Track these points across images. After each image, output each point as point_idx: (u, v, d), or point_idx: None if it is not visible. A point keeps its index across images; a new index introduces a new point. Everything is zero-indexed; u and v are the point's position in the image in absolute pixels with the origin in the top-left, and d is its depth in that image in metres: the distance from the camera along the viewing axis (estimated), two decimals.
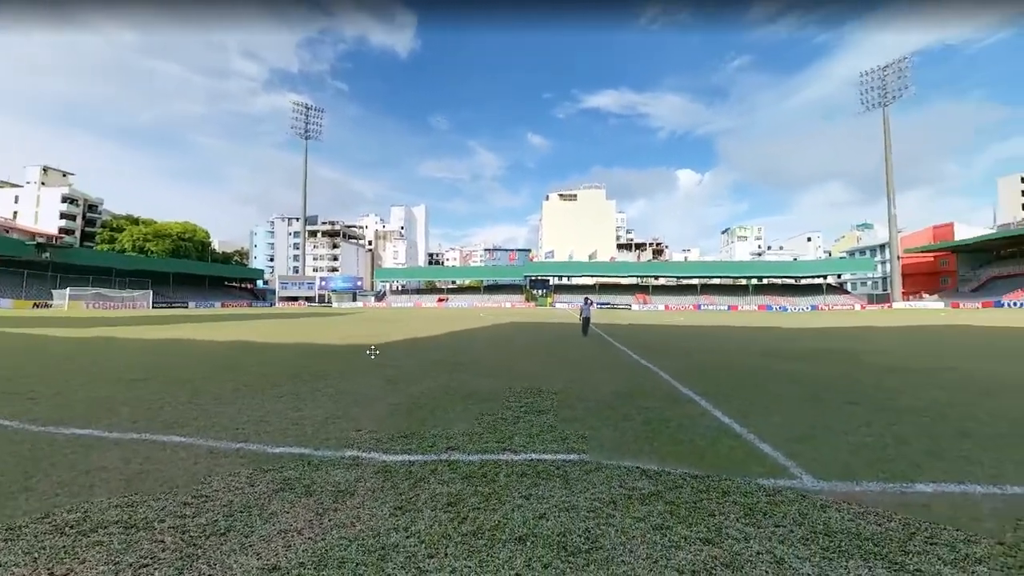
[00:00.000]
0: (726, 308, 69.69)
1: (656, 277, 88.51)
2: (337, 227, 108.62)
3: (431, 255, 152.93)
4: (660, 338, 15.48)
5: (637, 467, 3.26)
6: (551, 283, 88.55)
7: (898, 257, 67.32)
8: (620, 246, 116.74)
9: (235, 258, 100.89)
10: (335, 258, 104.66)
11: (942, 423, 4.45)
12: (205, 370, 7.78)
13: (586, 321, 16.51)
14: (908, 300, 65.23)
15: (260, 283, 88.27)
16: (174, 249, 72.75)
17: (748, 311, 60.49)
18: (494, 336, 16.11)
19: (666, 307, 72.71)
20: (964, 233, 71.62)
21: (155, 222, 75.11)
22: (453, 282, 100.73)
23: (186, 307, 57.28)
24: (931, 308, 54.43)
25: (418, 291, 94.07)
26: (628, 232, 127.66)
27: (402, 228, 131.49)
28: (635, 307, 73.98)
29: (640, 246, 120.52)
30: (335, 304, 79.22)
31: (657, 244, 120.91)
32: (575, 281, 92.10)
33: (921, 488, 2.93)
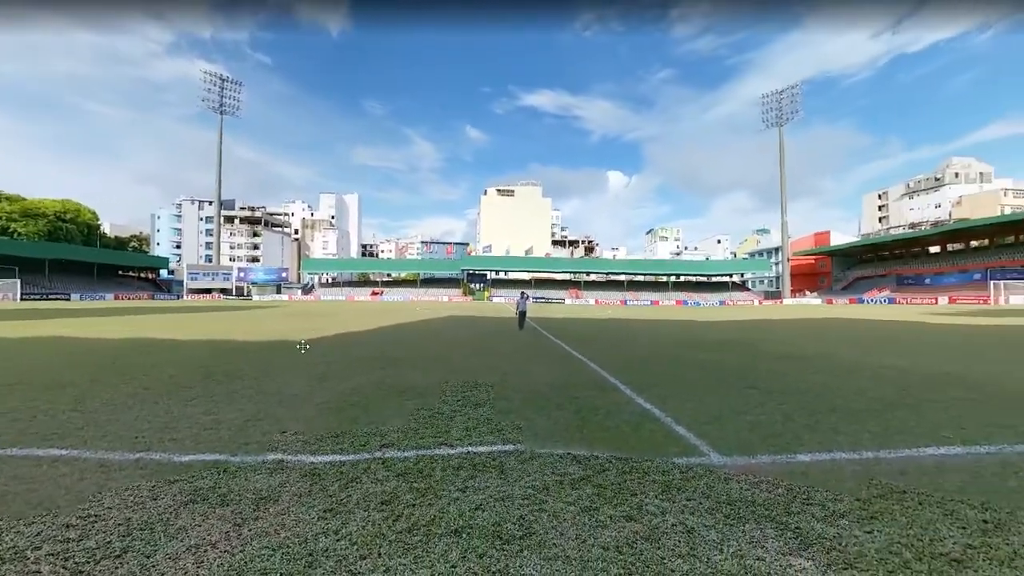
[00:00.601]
0: (649, 303, 74.49)
1: (588, 273, 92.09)
2: (258, 213, 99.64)
3: (365, 247, 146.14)
4: (591, 331, 16.20)
5: (569, 453, 3.41)
6: (488, 277, 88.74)
7: (788, 259, 76.66)
8: (555, 243, 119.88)
9: (132, 244, 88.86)
10: (256, 247, 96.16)
11: (818, 401, 5.15)
12: (92, 372, 6.80)
13: (522, 315, 16.80)
14: (795, 296, 74.36)
15: (164, 273, 78.52)
16: (51, 231, 62.22)
17: (668, 306, 65.20)
18: (431, 330, 15.84)
19: (596, 302, 75.98)
20: (837, 240, 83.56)
21: (23, 199, 63.36)
22: (388, 275, 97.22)
23: (68, 299, 49.50)
24: (811, 303, 62.53)
25: (350, 284, 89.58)
26: (563, 230, 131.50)
27: (333, 217, 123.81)
28: (568, 301, 76.44)
29: (573, 243, 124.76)
30: (256, 297, 72.91)
31: (589, 242, 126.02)
32: (512, 276, 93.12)
33: (801, 457, 3.38)
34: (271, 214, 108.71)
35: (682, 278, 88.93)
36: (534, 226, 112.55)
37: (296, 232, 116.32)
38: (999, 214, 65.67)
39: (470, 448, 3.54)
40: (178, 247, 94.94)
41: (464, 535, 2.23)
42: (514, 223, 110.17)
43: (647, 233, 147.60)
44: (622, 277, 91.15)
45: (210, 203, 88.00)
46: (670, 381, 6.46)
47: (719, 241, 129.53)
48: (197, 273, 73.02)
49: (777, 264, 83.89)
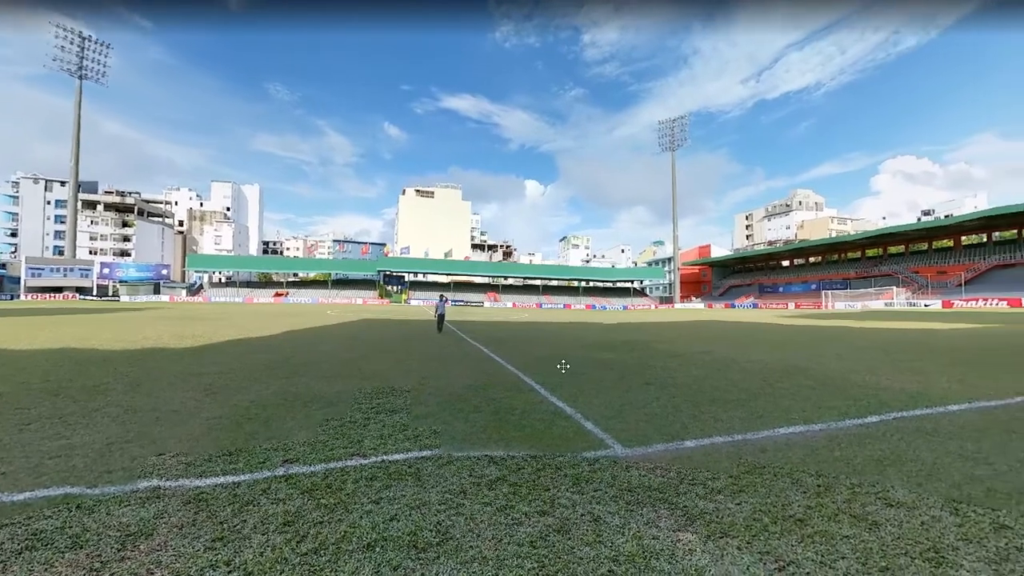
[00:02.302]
0: (562, 306, 77.99)
1: (505, 277, 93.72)
2: (131, 200, 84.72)
3: (267, 243, 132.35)
4: (508, 334, 16.50)
5: (486, 455, 3.43)
6: (407, 279, 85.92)
7: (678, 269, 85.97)
8: (474, 246, 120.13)
9: None
10: (127, 239, 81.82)
11: (700, 393, 5.84)
12: None
13: (441, 318, 16.54)
14: (683, 301, 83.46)
15: None
16: None
17: (579, 309, 68.93)
18: (343, 334, 14.85)
19: (514, 304, 77.54)
20: (716, 253, 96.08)
21: None
22: (295, 275, 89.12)
23: None
24: (696, 308, 70.76)
25: (249, 284, 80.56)
26: (482, 234, 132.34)
27: (228, 209, 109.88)
28: (487, 304, 76.95)
29: (492, 247, 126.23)
30: (126, 298, 62.01)
31: (507, 247, 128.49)
32: (431, 278, 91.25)
33: (687, 443, 3.80)
34: (148, 201, 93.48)
35: (591, 283, 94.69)
36: (454, 229, 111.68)
37: (181, 224, 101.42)
38: (827, 237, 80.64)
39: (385, 457, 3.39)
40: (13, 235, 76.91)
41: (378, 548, 2.13)
42: (434, 225, 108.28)
43: (561, 240, 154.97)
44: (538, 281, 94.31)
45: (62, 183, 72.96)
46: (580, 380, 6.83)
47: (623, 251, 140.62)
48: (41, 268, 60.09)
49: (670, 272, 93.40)
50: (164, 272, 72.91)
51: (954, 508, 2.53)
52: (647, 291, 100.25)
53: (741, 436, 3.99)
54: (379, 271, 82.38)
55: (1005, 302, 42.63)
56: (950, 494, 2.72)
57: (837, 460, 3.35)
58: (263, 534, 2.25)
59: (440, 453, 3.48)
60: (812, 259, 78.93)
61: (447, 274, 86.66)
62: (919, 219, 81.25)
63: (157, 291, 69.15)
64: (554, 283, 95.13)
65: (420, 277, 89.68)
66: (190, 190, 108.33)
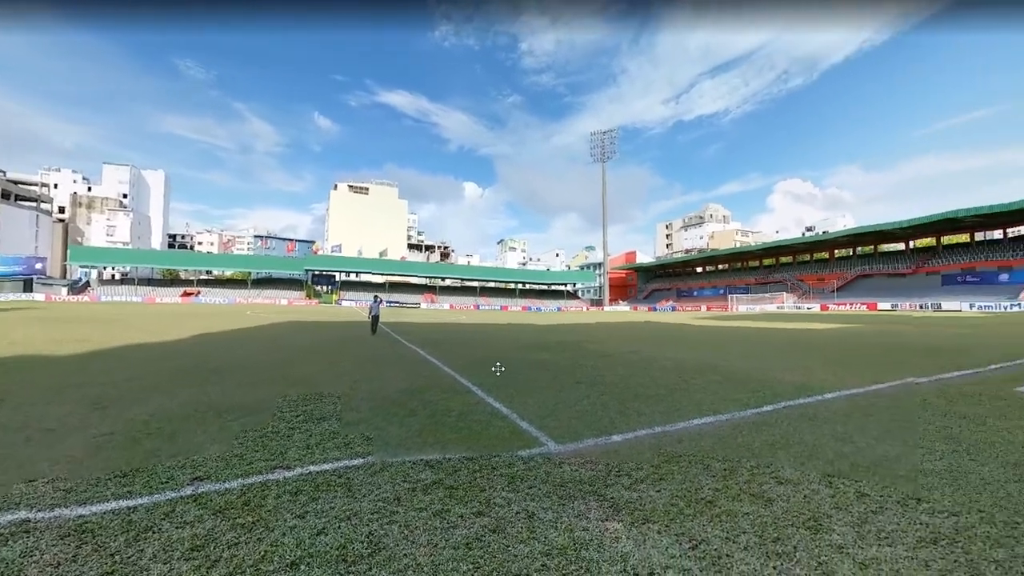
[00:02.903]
0: (499, 308, 78.56)
1: (443, 278, 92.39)
2: None
3: (174, 236, 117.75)
4: (445, 335, 16.26)
5: (422, 459, 3.35)
6: (338, 279, 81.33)
7: (607, 273, 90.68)
8: (411, 246, 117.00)
9: None
10: None
11: (626, 390, 6.20)
12: None
13: (375, 319, 15.88)
14: (612, 304, 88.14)
15: None
16: None
17: (515, 311, 69.91)
18: (265, 336, 13.66)
19: (451, 306, 76.68)
20: (641, 259, 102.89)
21: None
22: (208, 272, 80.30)
23: None
24: (623, 310, 75.11)
25: (152, 282, 71.33)
26: (419, 234, 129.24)
27: (125, 196, 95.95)
28: (424, 306, 75.32)
29: (429, 248, 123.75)
30: None
31: (445, 248, 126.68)
32: (364, 278, 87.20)
33: (615, 438, 4.01)
34: (16, 182, 78.89)
35: (527, 286, 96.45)
36: (390, 228, 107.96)
37: (62, 211, 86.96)
38: (732, 247, 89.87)
39: (311, 468, 3.17)
40: None
41: (303, 566, 1.99)
42: (368, 223, 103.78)
43: (498, 243, 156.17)
44: (475, 283, 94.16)
45: None
46: (516, 380, 6.93)
47: (557, 255, 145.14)
48: None
49: (600, 276, 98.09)
50: (38, 266, 62.00)
51: (828, 482, 2.94)
52: (579, 294, 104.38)
53: (661, 428, 4.29)
54: (307, 270, 77.11)
55: (865, 306, 50.52)
56: (826, 470, 3.16)
57: (740, 446, 3.74)
58: (165, 563, 2.00)
59: (373, 460, 3.34)
60: (720, 266, 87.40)
61: (382, 274, 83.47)
62: (803, 234, 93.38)
63: (28, 288, 58.62)
64: (492, 285, 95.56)
65: (353, 277, 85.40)
66: (74, 172, 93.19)
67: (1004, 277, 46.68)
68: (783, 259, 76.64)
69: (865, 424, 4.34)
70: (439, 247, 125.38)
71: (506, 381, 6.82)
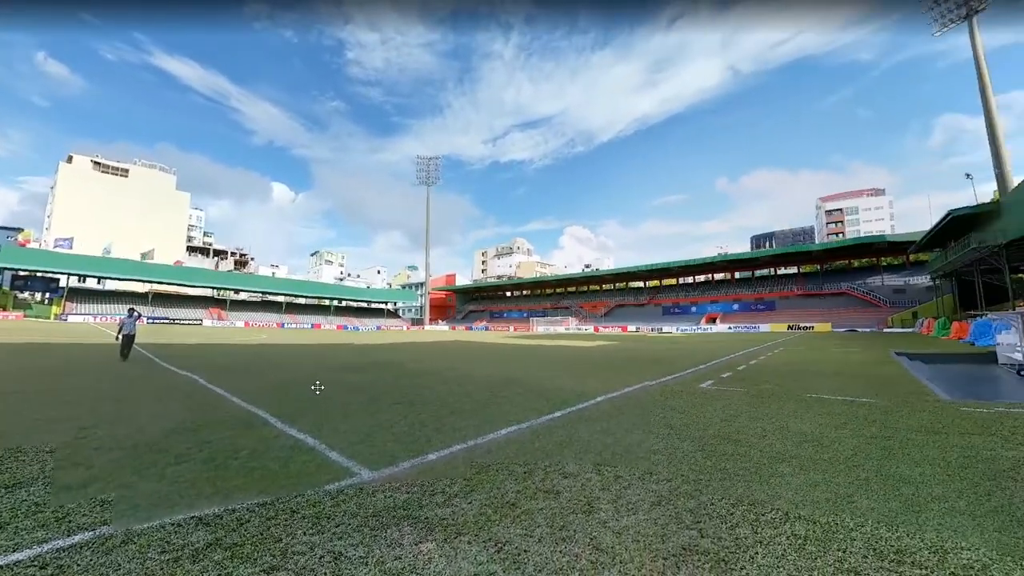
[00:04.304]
0: (310, 326, 69.26)
1: (237, 291, 76.17)
2: None
3: None
4: (237, 359, 13.30)
5: (193, 517, 2.61)
6: (63, 284, 57.73)
7: (428, 293, 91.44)
8: (193, 249, 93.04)
9: None
10: None
11: (443, 407, 6.29)
12: None
13: (128, 339, 11.81)
14: (432, 324, 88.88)
15: None
16: None
17: (329, 330, 62.79)
18: None
19: (246, 324, 63.66)
20: (460, 282, 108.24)
21: None
22: None
23: None
24: (443, 330, 76.62)
25: None
26: (206, 235, 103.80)
27: None
28: (208, 323, 60.33)
29: (221, 253, 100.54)
30: None
31: (242, 255, 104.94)
32: (113, 285, 64.35)
33: (431, 456, 3.99)
34: None
35: (344, 303, 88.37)
36: (161, 223, 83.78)
37: None
38: (534, 276, 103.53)
39: None
40: None
41: None
42: (126, 213, 78.14)
43: (312, 255, 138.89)
44: (281, 298, 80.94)
45: None
46: (327, 405, 6.18)
47: (379, 271, 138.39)
48: None
49: (421, 296, 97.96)
50: None
51: (598, 470, 3.62)
52: (400, 313, 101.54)
53: (474, 441, 4.50)
54: (5, 269, 52.29)
55: (620, 328, 65.13)
56: (596, 460, 3.87)
57: (537, 449, 4.23)
58: None
59: (110, 532, 2.43)
60: (525, 292, 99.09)
61: (145, 281, 63.44)
62: (583, 270, 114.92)
63: None
64: (302, 301, 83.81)
65: (93, 284, 62.05)
66: None
67: (694, 309, 67.54)
68: (570, 289, 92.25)
69: (620, 420, 5.53)
70: (234, 253, 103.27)
71: (313, 408, 6.02)
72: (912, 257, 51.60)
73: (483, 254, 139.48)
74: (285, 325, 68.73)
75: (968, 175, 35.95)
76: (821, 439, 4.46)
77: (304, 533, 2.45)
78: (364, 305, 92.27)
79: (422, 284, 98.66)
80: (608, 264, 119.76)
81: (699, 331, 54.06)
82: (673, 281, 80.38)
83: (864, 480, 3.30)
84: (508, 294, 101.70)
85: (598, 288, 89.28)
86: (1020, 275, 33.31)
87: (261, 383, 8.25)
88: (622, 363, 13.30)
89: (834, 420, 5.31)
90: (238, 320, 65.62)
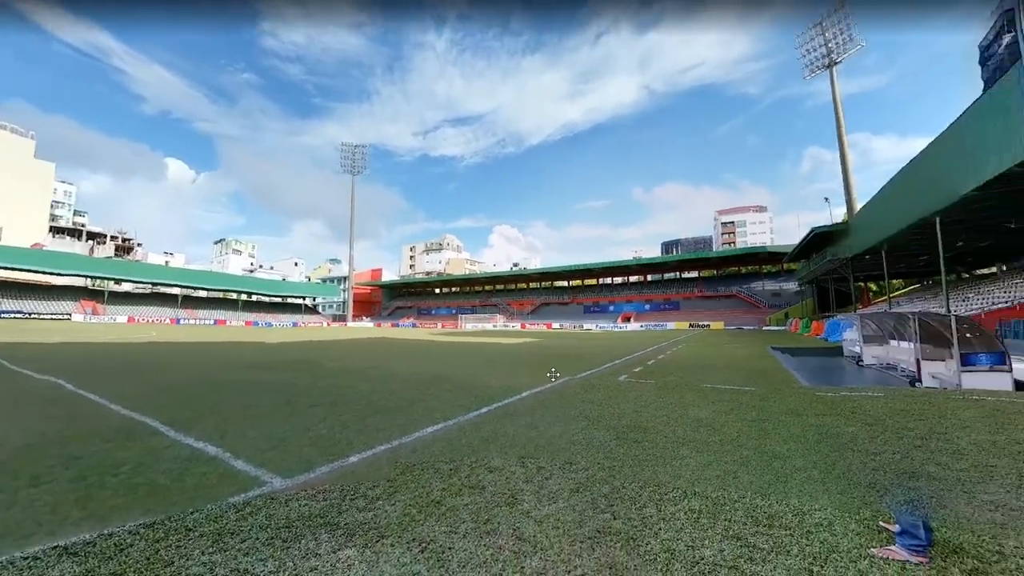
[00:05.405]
0: (212, 322, 61.52)
1: (119, 281, 65.15)
2: None
3: None
4: (117, 360, 11.35)
5: (56, 547, 2.18)
6: None
7: (352, 288, 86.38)
8: (60, 230, 77.54)
9: None
10: None
11: (367, 407, 6.00)
12: None
13: None
14: (356, 320, 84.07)
15: None
16: None
17: (237, 326, 56.30)
18: None
19: (130, 319, 54.66)
20: (386, 277, 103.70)
21: None
22: None
23: None
24: (367, 326, 72.87)
25: None
26: (78, 214, 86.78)
27: None
28: (80, 318, 50.70)
29: (98, 236, 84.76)
30: None
31: (125, 239, 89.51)
32: None
33: (352, 459, 3.79)
34: None
35: (255, 297, 79.93)
36: (13, 196, 68.61)
37: None
38: (464, 273, 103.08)
39: None
40: None
41: None
42: None
43: (217, 243, 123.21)
44: (176, 290, 70.85)
45: None
46: (233, 409, 5.55)
47: (296, 263, 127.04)
48: None
49: (344, 291, 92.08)
50: None
51: (522, 463, 3.72)
52: (320, 308, 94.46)
53: (399, 441, 4.36)
54: None
55: (546, 325, 67.41)
56: (520, 453, 3.98)
57: (463, 445, 4.23)
58: None
59: None
60: (454, 289, 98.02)
61: None
62: (511, 269, 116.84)
63: None
64: (202, 294, 74.04)
65: None
66: None
67: (612, 308, 72.24)
68: (498, 287, 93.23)
69: (544, 414, 5.74)
70: (114, 237, 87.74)
71: (217, 411, 5.38)
72: (786, 266, 60.52)
73: (412, 249, 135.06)
74: (181, 321, 60.17)
75: (827, 199, 43.15)
76: (713, 424, 5.07)
77: (202, 553, 2.19)
78: (278, 300, 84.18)
79: (345, 278, 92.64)
80: (535, 263, 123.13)
81: (616, 328, 58.01)
82: (594, 281, 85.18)
83: (746, 458, 3.82)
84: (437, 291, 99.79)
85: (525, 287, 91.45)
86: (860, 283, 40.84)
87: (148, 387, 7.14)
88: (546, 359, 13.80)
89: (724, 407, 6.06)
90: (120, 315, 55.97)
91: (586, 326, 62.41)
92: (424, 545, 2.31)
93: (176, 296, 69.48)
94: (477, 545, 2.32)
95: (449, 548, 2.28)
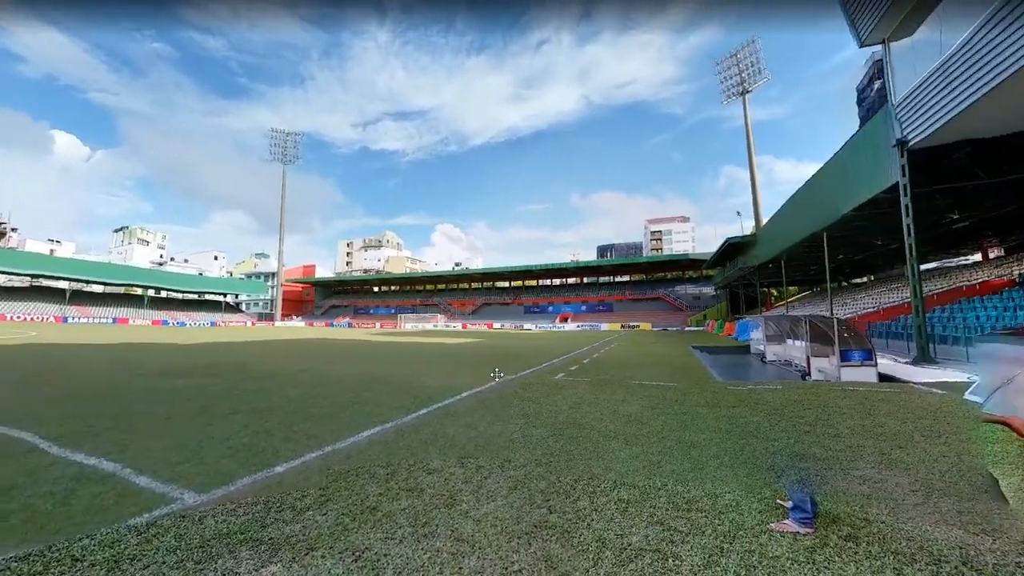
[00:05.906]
0: (111, 321, 53.50)
1: None
2: None
3: None
4: None
5: None
6: None
7: (281, 285, 79.89)
8: None
9: None
10: None
11: (295, 413, 5.60)
12: None
13: None
14: (285, 319, 77.90)
15: None
16: None
17: (142, 325, 49.42)
18: None
19: (3, 317, 45.83)
20: (320, 274, 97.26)
21: None
22: None
23: None
24: (298, 326, 67.85)
25: None
26: None
27: None
28: None
29: None
30: None
31: None
32: None
33: (278, 469, 3.52)
34: None
35: (166, 293, 70.91)
36: None
37: None
38: (404, 272, 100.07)
39: None
40: None
41: None
42: None
43: (118, 231, 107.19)
44: (64, 284, 60.68)
45: None
46: (137, 419, 4.89)
47: (216, 257, 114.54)
48: None
49: (272, 288, 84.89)
50: None
51: (462, 463, 3.70)
52: (243, 307, 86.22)
53: (331, 447, 4.13)
54: None
55: (487, 325, 67.54)
56: (460, 454, 3.96)
57: (401, 448, 4.11)
58: None
59: None
60: (394, 288, 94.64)
61: None
62: (453, 268, 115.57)
63: None
64: (97, 289, 64.10)
65: None
66: None
67: (551, 308, 74.35)
68: (440, 286, 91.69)
69: (484, 414, 5.76)
70: None
71: (116, 423, 4.71)
72: (705, 272, 66.44)
73: (348, 245, 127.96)
74: (70, 319, 51.52)
75: (739, 213, 48.56)
76: (641, 418, 5.44)
77: None
78: (194, 296, 75.42)
79: (274, 274, 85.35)
80: (477, 264, 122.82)
81: (554, 328, 59.80)
82: (534, 283, 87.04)
83: (668, 448, 4.15)
84: (376, 289, 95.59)
85: (467, 287, 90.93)
86: (765, 289, 46.06)
87: (23, 397, 6.04)
88: (487, 359, 13.85)
89: (650, 402, 6.52)
90: None
91: (526, 326, 63.54)
92: (358, 554, 2.22)
93: (63, 291, 59.38)
94: (414, 549, 2.27)
95: (385, 555, 2.21)
